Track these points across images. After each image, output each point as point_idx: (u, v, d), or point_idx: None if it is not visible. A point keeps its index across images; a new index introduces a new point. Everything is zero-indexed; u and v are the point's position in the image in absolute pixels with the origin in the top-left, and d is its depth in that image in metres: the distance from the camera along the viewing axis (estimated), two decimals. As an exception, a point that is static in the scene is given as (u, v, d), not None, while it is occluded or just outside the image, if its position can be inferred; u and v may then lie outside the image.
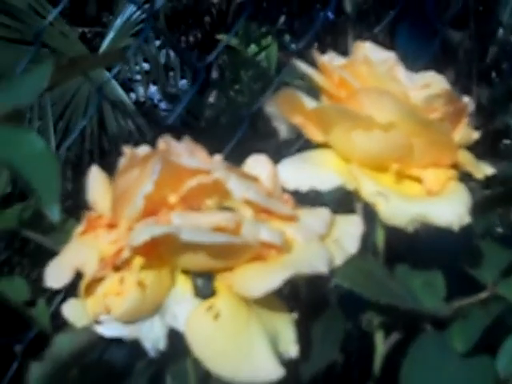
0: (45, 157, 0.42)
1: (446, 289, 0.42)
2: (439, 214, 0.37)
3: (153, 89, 2.14)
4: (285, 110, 0.40)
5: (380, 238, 0.41)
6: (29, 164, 0.41)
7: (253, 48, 1.58)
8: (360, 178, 0.38)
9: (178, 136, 0.39)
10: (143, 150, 0.37)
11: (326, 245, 0.36)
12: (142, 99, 2.07)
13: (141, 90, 2.07)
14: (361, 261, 0.37)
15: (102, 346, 0.40)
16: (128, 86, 2.00)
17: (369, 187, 0.37)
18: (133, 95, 2.02)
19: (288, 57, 1.84)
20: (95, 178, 0.39)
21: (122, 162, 0.37)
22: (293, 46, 1.83)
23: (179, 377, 0.43)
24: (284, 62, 1.81)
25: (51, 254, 0.40)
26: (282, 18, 1.86)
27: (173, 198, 0.34)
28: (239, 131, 0.98)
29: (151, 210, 0.34)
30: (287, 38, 1.85)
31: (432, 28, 0.89)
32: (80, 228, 0.37)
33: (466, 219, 0.37)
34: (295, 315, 0.35)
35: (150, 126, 1.91)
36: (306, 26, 1.88)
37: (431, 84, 0.39)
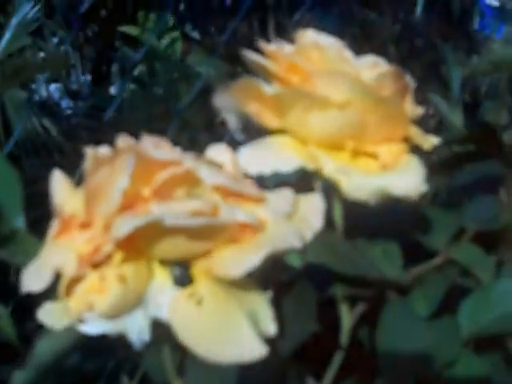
0: (3, 167, 0.42)
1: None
2: (398, 186, 0.39)
3: (53, 86, 2.10)
4: (240, 99, 0.41)
5: (337, 213, 0.43)
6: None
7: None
8: (320, 157, 0.39)
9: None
10: (104, 149, 0.38)
11: (294, 222, 0.37)
12: (44, 98, 2.04)
13: (42, 88, 2.03)
14: (325, 236, 0.39)
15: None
16: (28, 86, 1.96)
17: (329, 165, 0.39)
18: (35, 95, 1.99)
19: (190, 45, 1.84)
20: (59, 180, 0.39)
21: (87, 163, 0.37)
22: (194, 34, 1.83)
23: (155, 369, 0.44)
24: (186, 50, 1.81)
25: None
26: (182, 6, 1.86)
27: (146, 191, 0.35)
28: (172, 125, 0.98)
29: (125, 205, 0.35)
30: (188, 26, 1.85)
31: (347, 10, 0.91)
32: (53, 230, 0.37)
33: (423, 188, 0.39)
34: (270, 293, 0.37)
35: (55, 124, 1.88)
36: (206, 13, 1.88)
37: (377, 64, 0.41)
